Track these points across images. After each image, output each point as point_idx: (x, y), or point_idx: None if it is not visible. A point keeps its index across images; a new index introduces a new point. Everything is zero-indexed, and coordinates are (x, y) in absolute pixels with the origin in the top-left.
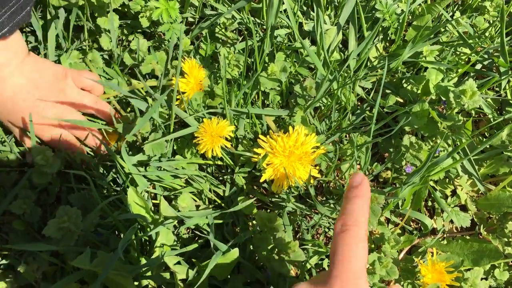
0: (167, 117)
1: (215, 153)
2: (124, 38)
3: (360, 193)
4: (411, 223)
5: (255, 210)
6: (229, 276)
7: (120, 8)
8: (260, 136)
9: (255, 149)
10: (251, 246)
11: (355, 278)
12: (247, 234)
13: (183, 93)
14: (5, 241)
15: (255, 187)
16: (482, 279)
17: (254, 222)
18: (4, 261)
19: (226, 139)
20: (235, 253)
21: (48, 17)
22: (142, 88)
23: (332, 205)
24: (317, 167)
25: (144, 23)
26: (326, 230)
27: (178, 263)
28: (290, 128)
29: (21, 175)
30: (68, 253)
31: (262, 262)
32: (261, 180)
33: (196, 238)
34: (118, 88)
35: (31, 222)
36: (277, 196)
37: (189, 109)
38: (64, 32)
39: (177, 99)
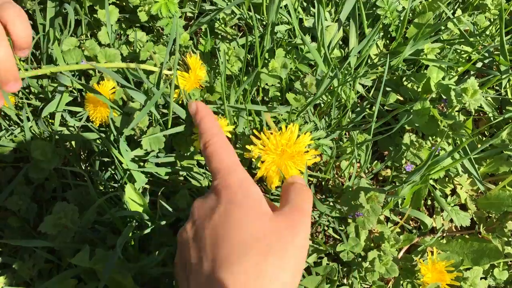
0: (165, 111)
1: None
2: (122, 32)
3: (202, 114)
4: (411, 222)
5: None
6: None
7: (118, 1)
8: (254, 131)
9: (246, 146)
10: None
11: (229, 172)
12: None
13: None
14: (0, 237)
15: None
16: (481, 278)
17: None
18: None
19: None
20: None
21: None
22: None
23: (331, 203)
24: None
25: (143, 17)
26: (325, 228)
27: None
28: (283, 126)
29: (17, 171)
30: (65, 250)
31: None
32: (255, 179)
33: None
34: (117, 77)
35: (27, 218)
36: (275, 193)
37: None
38: (62, 26)
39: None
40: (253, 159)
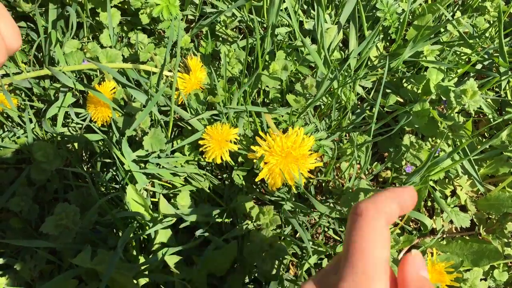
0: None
1: (225, 158)
2: (124, 35)
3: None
4: (411, 223)
5: (250, 204)
6: (227, 275)
7: (120, 4)
8: (260, 132)
9: (252, 147)
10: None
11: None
12: (244, 230)
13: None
14: (2, 238)
15: (254, 186)
16: (481, 279)
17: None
18: (0, 260)
19: (232, 142)
20: (232, 247)
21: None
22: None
23: (331, 204)
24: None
25: (144, 20)
26: (326, 229)
27: (178, 262)
28: (290, 128)
29: (19, 172)
30: (66, 251)
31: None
32: (257, 179)
33: (195, 237)
34: (118, 75)
35: (28, 219)
36: (276, 195)
37: (189, 108)
38: (64, 28)
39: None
40: (255, 160)
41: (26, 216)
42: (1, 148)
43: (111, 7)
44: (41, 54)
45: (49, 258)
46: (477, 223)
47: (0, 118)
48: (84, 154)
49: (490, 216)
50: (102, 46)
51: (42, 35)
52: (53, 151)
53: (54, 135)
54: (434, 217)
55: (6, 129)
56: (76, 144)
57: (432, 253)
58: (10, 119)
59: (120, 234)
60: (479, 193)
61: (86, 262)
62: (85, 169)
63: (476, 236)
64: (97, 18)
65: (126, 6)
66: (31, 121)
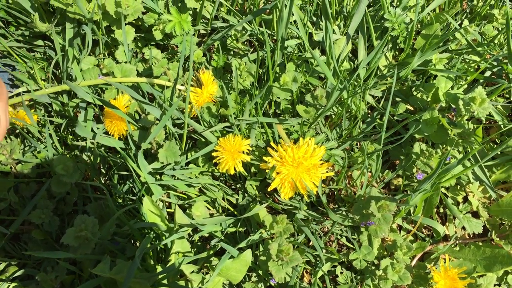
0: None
1: (238, 169)
2: (138, 50)
3: None
4: (423, 230)
5: (264, 213)
6: (242, 283)
7: (134, 21)
8: (272, 143)
9: (264, 157)
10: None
11: None
12: (258, 239)
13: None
14: (24, 250)
15: (267, 195)
16: (495, 285)
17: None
18: (22, 271)
19: (244, 153)
20: (247, 255)
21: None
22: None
23: (344, 213)
24: (327, 174)
25: (158, 35)
26: (339, 237)
27: (194, 271)
28: (301, 139)
29: (39, 186)
30: (86, 261)
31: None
32: (269, 189)
33: (209, 246)
34: (132, 92)
35: (49, 231)
36: (289, 204)
37: (202, 121)
38: (80, 46)
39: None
40: (267, 170)
41: (47, 228)
42: (23, 163)
43: (126, 24)
44: (59, 71)
45: (70, 268)
46: (489, 229)
47: (22, 133)
48: (101, 167)
49: (502, 222)
50: (117, 62)
51: (59, 53)
52: (73, 164)
53: (73, 149)
54: (447, 224)
55: (27, 144)
56: (92, 158)
57: (445, 259)
58: (31, 134)
59: (138, 244)
60: (491, 199)
61: (106, 272)
62: (103, 182)
63: (489, 242)
64: (112, 35)
65: (140, 23)
66: (51, 136)
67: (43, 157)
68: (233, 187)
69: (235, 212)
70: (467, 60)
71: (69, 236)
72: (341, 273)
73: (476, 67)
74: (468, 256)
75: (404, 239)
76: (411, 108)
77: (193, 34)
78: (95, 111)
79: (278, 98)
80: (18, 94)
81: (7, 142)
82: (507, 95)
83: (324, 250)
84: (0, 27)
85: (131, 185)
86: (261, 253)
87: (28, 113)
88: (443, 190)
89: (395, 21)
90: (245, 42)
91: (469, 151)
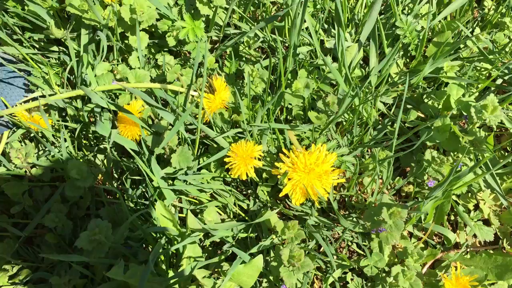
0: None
1: (250, 174)
2: (151, 56)
3: None
4: (434, 237)
5: (275, 219)
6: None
7: (148, 28)
8: (283, 149)
9: (276, 163)
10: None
11: None
12: (269, 244)
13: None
14: (37, 253)
15: (278, 201)
16: None
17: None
18: (35, 274)
19: (256, 158)
20: (259, 260)
21: (83, 39)
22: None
23: (354, 219)
24: (339, 180)
25: (171, 42)
26: (349, 244)
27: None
28: (313, 145)
29: (53, 190)
30: (99, 265)
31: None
32: (281, 195)
33: (221, 251)
34: (146, 97)
35: (63, 235)
36: (300, 210)
37: (215, 127)
38: (95, 51)
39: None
40: (278, 176)
41: (61, 232)
42: (37, 167)
43: (140, 30)
44: (73, 76)
45: (83, 272)
46: (500, 237)
47: (37, 137)
48: (114, 172)
49: None
50: (131, 68)
51: (74, 59)
52: (87, 168)
53: (87, 153)
54: (458, 231)
55: (41, 148)
56: (106, 162)
57: (456, 267)
58: (45, 139)
59: (150, 248)
60: (502, 207)
61: (119, 276)
62: (116, 186)
63: (500, 250)
64: (126, 42)
65: (153, 30)
66: (65, 140)
67: (57, 160)
68: (244, 192)
69: (246, 218)
70: (479, 68)
71: (83, 239)
72: (352, 279)
73: (487, 74)
74: (479, 264)
75: (415, 246)
76: (422, 115)
77: (206, 41)
78: (109, 117)
79: (290, 104)
80: (33, 99)
81: (22, 146)
82: None
83: (335, 257)
84: (16, 33)
85: (144, 190)
86: (272, 258)
87: (44, 117)
88: (454, 197)
89: (406, 28)
90: (257, 49)
91: (481, 158)
